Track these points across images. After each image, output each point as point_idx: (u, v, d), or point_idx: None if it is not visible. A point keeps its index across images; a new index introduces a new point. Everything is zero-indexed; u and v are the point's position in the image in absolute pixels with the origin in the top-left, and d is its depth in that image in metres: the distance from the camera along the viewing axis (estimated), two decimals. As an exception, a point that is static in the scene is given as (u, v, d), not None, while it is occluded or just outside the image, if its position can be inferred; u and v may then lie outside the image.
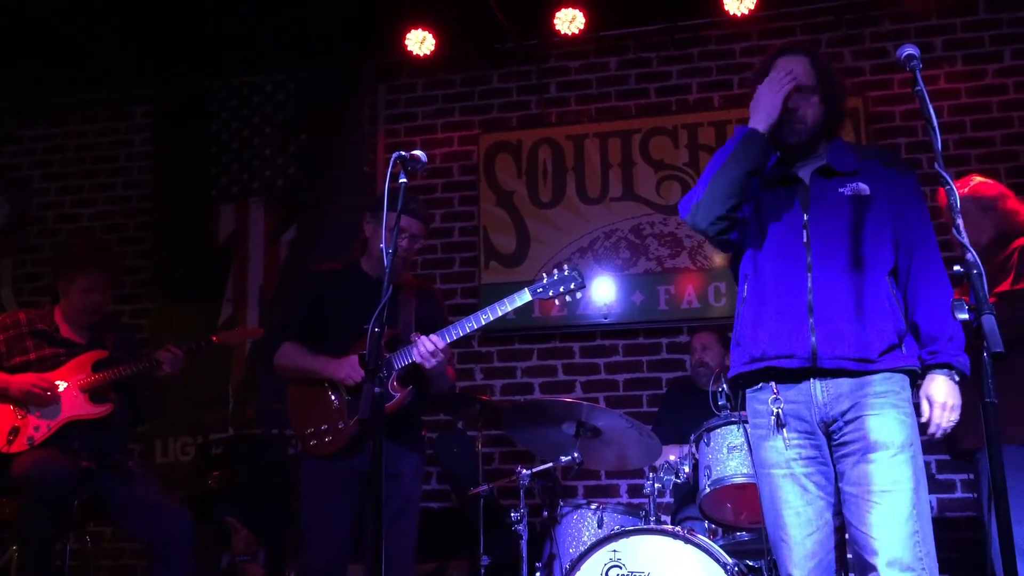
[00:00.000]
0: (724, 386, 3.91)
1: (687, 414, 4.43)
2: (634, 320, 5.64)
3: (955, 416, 2.51)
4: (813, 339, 2.51)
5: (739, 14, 5.54)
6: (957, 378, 2.55)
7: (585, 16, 5.69)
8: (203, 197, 6.30)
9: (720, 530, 3.83)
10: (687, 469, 3.83)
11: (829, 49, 5.67)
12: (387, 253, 2.59)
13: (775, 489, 2.59)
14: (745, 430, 3.63)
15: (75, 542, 4.50)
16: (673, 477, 3.86)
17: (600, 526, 3.79)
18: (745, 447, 3.61)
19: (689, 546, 3.40)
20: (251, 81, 6.36)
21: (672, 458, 3.90)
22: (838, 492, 2.55)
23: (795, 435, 2.57)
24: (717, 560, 3.36)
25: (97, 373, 4.04)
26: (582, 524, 3.86)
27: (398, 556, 3.48)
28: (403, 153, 2.68)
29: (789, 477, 2.57)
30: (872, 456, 2.45)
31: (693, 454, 3.82)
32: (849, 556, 2.60)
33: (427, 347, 3.43)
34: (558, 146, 5.93)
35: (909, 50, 2.38)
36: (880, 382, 2.50)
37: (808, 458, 2.57)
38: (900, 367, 2.53)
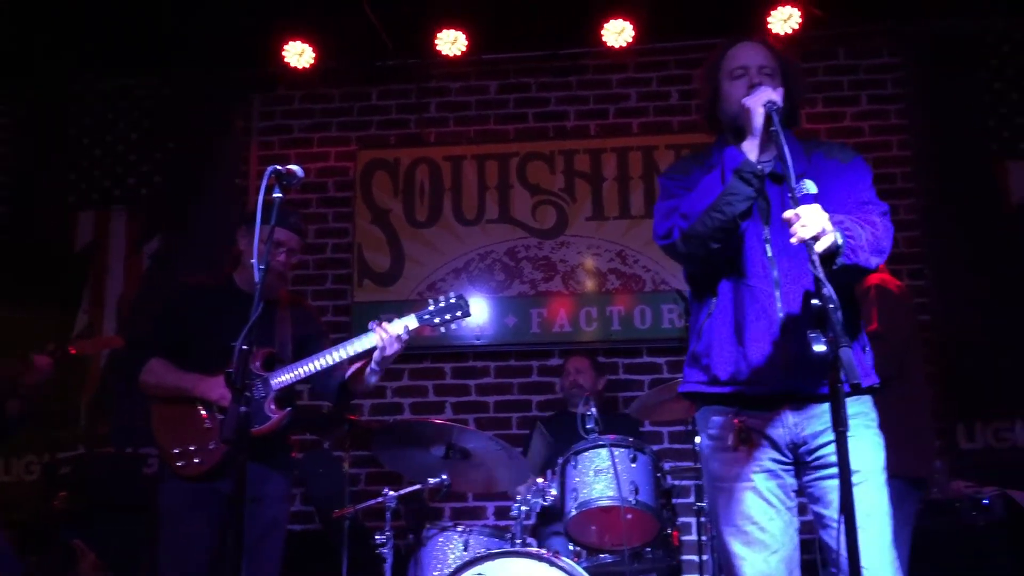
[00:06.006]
0: (593, 410, 3.97)
1: (556, 437, 4.47)
2: (506, 342, 5.67)
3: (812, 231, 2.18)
4: (784, 361, 2.42)
5: (617, 46, 5.70)
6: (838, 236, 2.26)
7: (467, 38, 5.74)
8: (61, 203, 6.02)
9: (584, 552, 3.88)
10: (554, 492, 3.86)
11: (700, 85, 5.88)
12: (258, 268, 2.52)
13: (736, 503, 2.48)
14: (612, 454, 3.70)
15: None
16: (540, 500, 3.89)
17: (466, 548, 3.77)
18: (611, 471, 3.67)
19: (554, 568, 3.42)
20: (118, 84, 6.12)
21: (540, 480, 3.93)
22: None
23: (758, 448, 2.47)
24: (581, 582, 3.39)
25: None
26: (448, 546, 3.84)
27: (261, 581, 3.37)
28: (279, 167, 2.62)
29: (752, 490, 2.47)
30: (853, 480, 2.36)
31: (560, 477, 3.85)
32: None
33: (390, 332, 3.31)
34: (436, 166, 5.93)
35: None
36: (850, 404, 2.34)
37: (768, 471, 2.48)
38: (866, 386, 2.48)
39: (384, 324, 3.36)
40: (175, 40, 5.71)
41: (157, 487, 3.52)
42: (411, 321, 3.43)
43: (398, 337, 3.34)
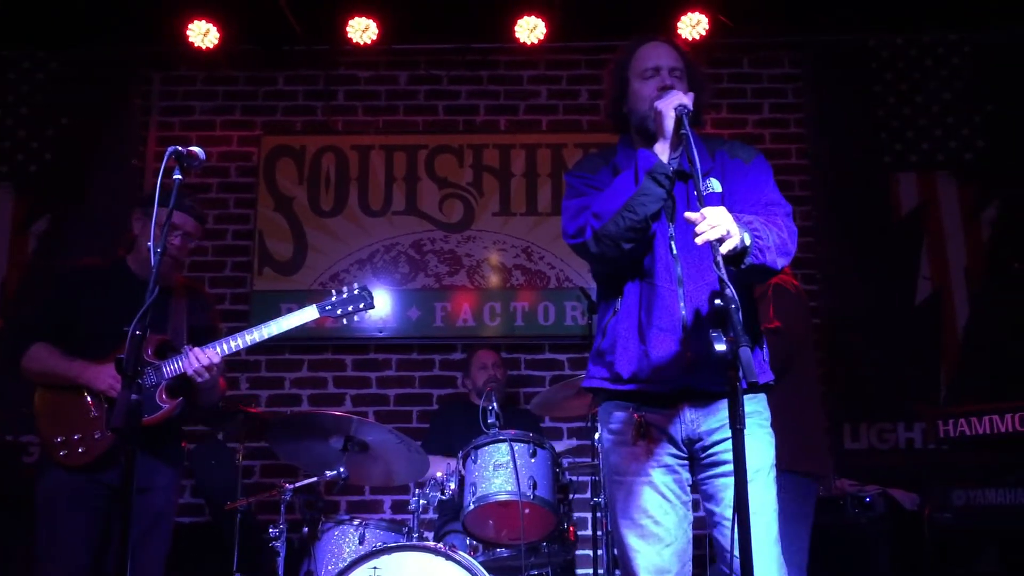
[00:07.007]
0: (494, 404, 3.97)
1: (457, 430, 4.46)
2: (409, 335, 5.63)
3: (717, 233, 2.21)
4: (685, 360, 2.46)
5: (529, 43, 5.72)
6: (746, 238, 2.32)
7: (378, 27, 5.67)
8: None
9: (481, 547, 3.88)
10: (453, 486, 3.86)
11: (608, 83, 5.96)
12: (155, 251, 2.44)
13: (633, 497, 2.53)
14: (512, 449, 3.71)
15: None
16: (439, 494, 3.88)
17: (361, 542, 3.74)
18: (511, 465, 3.68)
19: (450, 563, 3.43)
20: (7, 56, 5.83)
21: (439, 475, 3.91)
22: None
23: (656, 444, 2.52)
24: (477, 577, 3.39)
25: None
26: (343, 540, 3.80)
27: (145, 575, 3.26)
28: (179, 148, 2.54)
29: (649, 485, 2.52)
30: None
31: (460, 471, 3.85)
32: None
33: (201, 360, 3.25)
34: (343, 155, 5.84)
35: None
36: (746, 402, 2.30)
37: (666, 466, 2.54)
38: (762, 383, 2.55)
39: (194, 351, 3.29)
40: (72, 11, 5.48)
41: (36, 477, 3.38)
42: (311, 312, 3.38)
43: (208, 366, 3.27)
